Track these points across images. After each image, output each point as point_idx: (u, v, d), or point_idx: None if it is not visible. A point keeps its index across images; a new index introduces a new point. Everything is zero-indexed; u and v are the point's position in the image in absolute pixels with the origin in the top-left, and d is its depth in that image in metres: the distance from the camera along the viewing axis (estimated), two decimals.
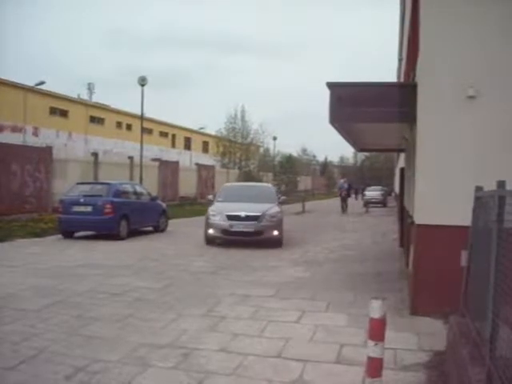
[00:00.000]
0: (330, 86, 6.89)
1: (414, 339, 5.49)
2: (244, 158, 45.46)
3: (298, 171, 56.02)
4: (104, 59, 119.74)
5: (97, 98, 47.04)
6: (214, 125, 52.72)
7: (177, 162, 30.52)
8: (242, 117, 45.06)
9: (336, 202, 29.15)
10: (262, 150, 51.75)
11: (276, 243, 13.16)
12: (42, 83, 33.53)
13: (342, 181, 36.11)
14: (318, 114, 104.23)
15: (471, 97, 6.24)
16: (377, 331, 3.62)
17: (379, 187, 42.68)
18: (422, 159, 6.56)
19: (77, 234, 14.23)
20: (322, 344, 5.30)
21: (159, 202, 17.45)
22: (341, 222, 22.36)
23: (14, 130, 33.24)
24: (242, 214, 12.80)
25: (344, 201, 30.27)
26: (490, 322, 3.14)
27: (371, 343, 3.63)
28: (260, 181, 41.01)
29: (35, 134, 35.28)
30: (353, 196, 43.75)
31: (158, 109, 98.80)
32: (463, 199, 5.16)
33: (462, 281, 4.72)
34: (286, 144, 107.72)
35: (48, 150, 19.12)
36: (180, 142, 55.90)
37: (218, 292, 7.62)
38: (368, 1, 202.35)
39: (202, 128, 55.39)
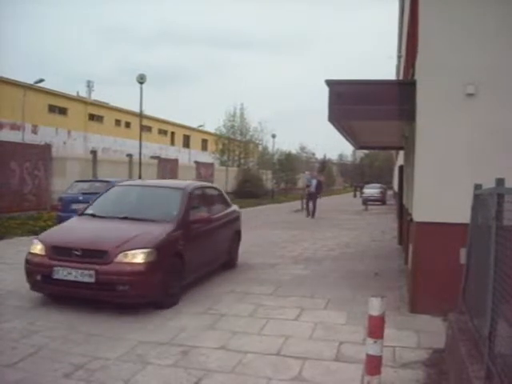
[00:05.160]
0: (329, 83, 6.88)
1: (413, 337, 5.50)
2: (243, 155, 45.45)
3: (297, 169, 55.98)
4: (103, 57, 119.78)
5: (96, 96, 46.99)
6: (214, 122, 52.75)
7: (176, 160, 30.48)
8: (241, 114, 45.08)
9: (335, 199, 26.71)
10: (260, 147, 51.69)
11: None
12: (40, 81, 33.44)
13: (307, 173, 28.25)
14: (318, 111, 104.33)
15: (470, 94, 6.24)
16: (376, 329, 3.62)
17: (378, 185, 42.45)
18: (421, 157, 6.56)
19: None
20: (321, 341, 5.31)
21: None
22: (339, 219, 22.35)
23: (13, 127, 33.19)
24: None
25: (311, 200, 23.23)
26: (488, 320, 3.14)
27: (370, 341, 3.63)
28: (259, 179, 40.98)
29: (34, 131, 35.23)
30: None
31: (157, 106, 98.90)
32: (462, 197, 5.17)
33: (461, 278, 4.73)
34: (285, 142, 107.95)
35: (47, 147, 19.09)
36: (179, 139, 55.85)
37: (215, 290, 7.64)
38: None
39: (201, 126, 55.36)
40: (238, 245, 10.03)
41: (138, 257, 6.18)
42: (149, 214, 7.33)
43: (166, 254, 6.55)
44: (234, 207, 10.26)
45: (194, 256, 7.34)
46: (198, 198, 8.31)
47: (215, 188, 10.30)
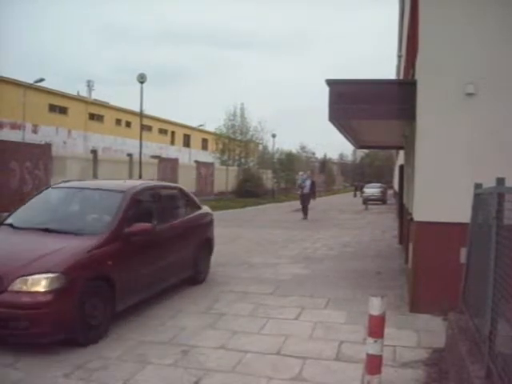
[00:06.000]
0: (330, 83, 6.88)
1: (413, 336, 5.50)
2: (243, 155, 45.43)
3: (298, 168, 55.96)
4: (103, 56, 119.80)
5: (96, 95, 47.00)
6: (214, 122, 52.71)
7: (176, 160, 30.45)
8: (242, 114, 45.08)
9: (335, 199, 26.77)
10: (261, 147, 51.65)
11: None
12: (41, 80, 33.48)
13: (301, 173, 26.01)
14: (318, 111, 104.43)
15: (470, 94, 6.23)
16: (376, 328, 3.62)
17: (378, 184, 42.43)
18: (421, 156, 6.56)
19: None
20: (322, 341, 5.30)
21: None
22: (340, 219, 22.35)
23: (13, 127, 33.23)
24: None
25: (306, 201, 22.22)
26: (488, 319, 3.14)
27: (370, 340, 3.64)
28: (259, 178, 40.94)
29: (34, 131, 35.28)
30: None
31: (158, 106, 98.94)
32: (462, 196, 5.17)
33: (462, 278, 4.72)
34: (286, 141, 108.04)
35: (47, 147, 19.08)
36: (179, 139, 55.87)
37: (215, 290, 7.64)
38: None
39: (201, 125, 55.36)
40: (208, 255, 8.50)
41: (40, 284, 4.69)
42: (74, 225, 5.89)
43: (82, 277, 5.03)
44: (205, 210, 8.78)
45: (134, 276, 5.89)
46: (146, 203, 6.80)
47: (177, 188, 8.57)
